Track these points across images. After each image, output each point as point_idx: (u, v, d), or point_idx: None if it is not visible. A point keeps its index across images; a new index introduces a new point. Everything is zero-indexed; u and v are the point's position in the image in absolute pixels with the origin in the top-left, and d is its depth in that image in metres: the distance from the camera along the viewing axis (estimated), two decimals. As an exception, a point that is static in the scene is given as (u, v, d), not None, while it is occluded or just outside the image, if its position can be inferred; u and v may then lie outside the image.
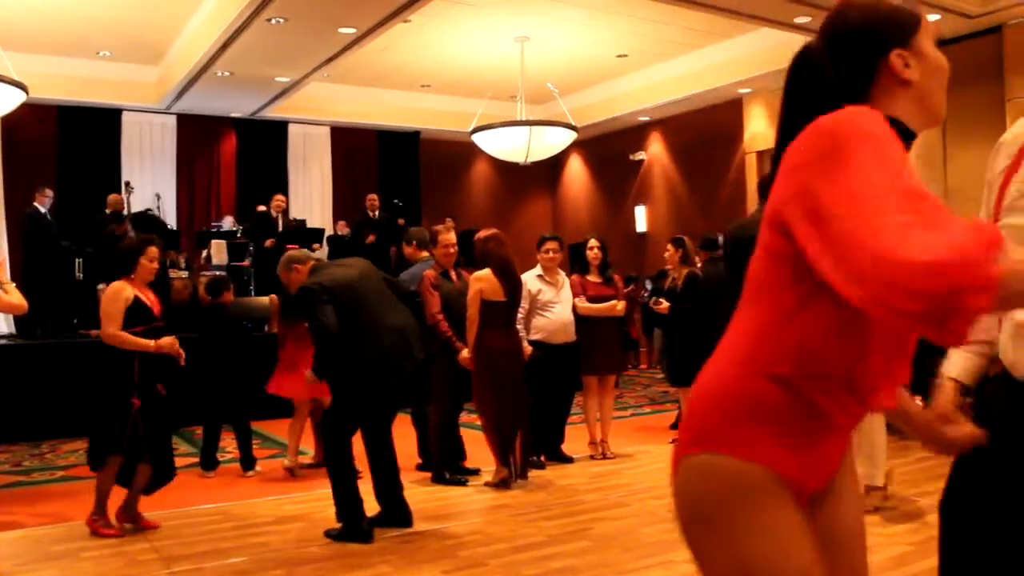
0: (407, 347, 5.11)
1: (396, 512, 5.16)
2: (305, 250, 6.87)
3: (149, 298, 5.23)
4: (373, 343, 4.98)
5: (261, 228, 12.17)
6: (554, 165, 16.86)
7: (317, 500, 5.76)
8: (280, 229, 12.24)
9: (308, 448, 7.19)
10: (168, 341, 5.15)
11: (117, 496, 5.20)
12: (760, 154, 13.56)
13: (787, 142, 1.45)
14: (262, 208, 12.44)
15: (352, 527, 4.93)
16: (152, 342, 5.08)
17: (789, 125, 1.53)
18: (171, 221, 13.36)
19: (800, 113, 1.50)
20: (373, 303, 5.10)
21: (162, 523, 5.28)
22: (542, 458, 6.89)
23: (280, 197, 12.66)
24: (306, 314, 5.09)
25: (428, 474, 6.47)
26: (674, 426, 8.35)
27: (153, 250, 5.27)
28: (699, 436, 1.50)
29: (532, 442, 6.69)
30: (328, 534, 4.96)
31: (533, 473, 6.51)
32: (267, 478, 6.77)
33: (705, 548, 1.50)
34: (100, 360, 5.17)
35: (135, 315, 5.09)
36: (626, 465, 6.96)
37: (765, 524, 1.45)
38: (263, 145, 14.58)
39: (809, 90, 1.56)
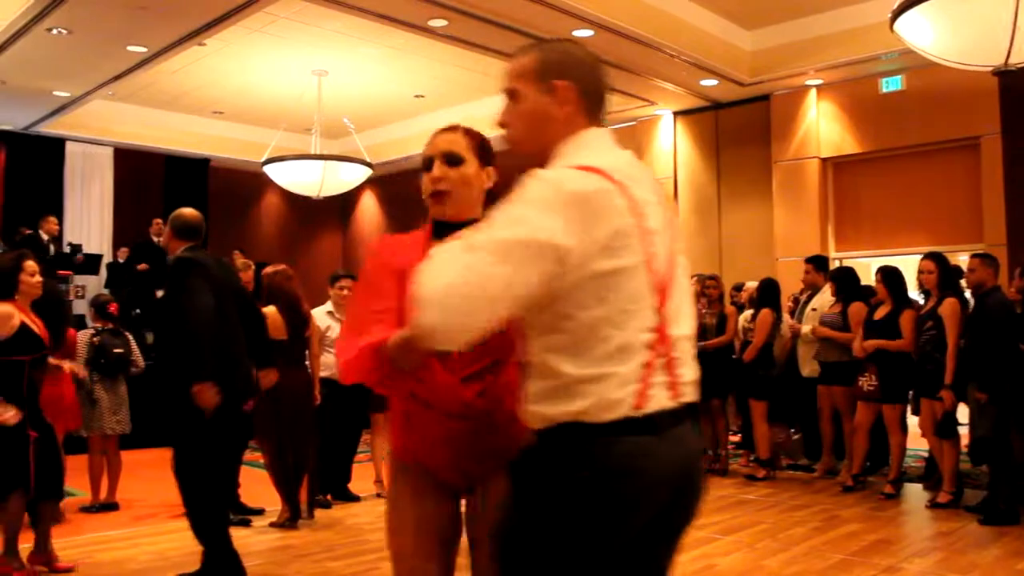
0: None
1: None
2: None
3: (36, 322, 4.75)
4: None
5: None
6: (346, 201, 16.74)
7: (86, 545, 5.42)
8: (51, 254, 11.50)
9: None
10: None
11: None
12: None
13: None
14: (28, 231, 11.59)
15: None
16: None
17: None
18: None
19: None
20: None
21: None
22: (328, 497, 6.79)
23: (52, 219, 11.91)
24: None
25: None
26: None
27: (31, 264, 4.83)
28: None
29: (318, 481, 6.58)
30: None
31: (319, 512, 6.41)
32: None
33: None
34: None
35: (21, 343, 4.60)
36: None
37: None
38: (36, 163, 13.49)
39: None
